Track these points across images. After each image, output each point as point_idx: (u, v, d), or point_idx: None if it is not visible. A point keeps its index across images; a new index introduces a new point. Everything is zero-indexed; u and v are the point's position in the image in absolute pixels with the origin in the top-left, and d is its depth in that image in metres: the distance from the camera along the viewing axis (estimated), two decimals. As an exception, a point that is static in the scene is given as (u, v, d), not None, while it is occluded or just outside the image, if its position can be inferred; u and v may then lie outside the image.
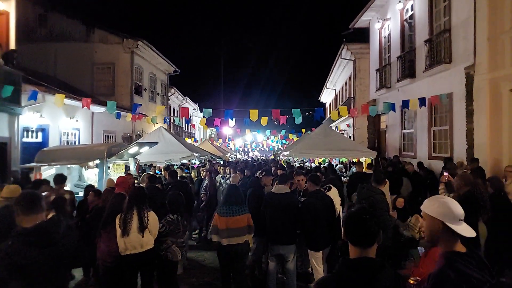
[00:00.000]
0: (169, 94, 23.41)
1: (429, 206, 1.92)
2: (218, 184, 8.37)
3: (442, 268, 1.72)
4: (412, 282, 2.09)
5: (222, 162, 13.25)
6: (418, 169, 8.86)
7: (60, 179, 5.87)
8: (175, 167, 9.54)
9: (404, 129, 11.98)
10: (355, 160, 12.47)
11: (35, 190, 4.58)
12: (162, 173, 9.00)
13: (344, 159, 12.55)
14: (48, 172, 7.34)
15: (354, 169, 10.14)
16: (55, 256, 2.22)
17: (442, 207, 1.86)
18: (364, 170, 8.82)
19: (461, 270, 1.68)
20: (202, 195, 8.03)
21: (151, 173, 8.71)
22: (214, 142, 23.07)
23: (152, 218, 4.01)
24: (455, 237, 1.83)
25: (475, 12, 7.57)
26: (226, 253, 4.25)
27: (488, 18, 7.26)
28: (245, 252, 4.45)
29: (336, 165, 12.37)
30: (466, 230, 1.82)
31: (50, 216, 2.56)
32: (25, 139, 9.68)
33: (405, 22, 11.79)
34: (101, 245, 4.03)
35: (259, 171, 7.99)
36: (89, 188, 5.79)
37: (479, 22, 7.51)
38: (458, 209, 1.86)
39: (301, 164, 12.94)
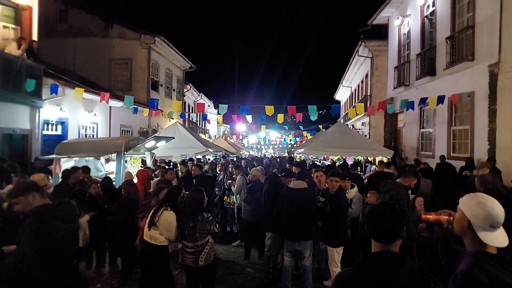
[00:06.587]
0: (185, 90, 23.57)
1: (465, 201, 1.79)
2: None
3: (471, 268, 1.60)
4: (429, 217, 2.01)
5: (234, 159, 13.28)
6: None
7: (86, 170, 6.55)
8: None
9: (423, 128, 11.72)
10: (370, 158, 12.29)
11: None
12: (178, 167, 9.08)
13: (360, 158, 12.39)
14: (67, 164, 7.50)
15: (371, 167, 9.97)
16: (75, 232, 2.48)
17: (477, 207, 1.70)
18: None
19: (492, 273, 1.54)
20: (216, 190, 8.08)
21: (167, 167, 8.80)
22: (228, 138, 23.17)
23: (164, 218, 3.87)
24: None
25: (502, 7, 7.31)
26: None
27: (516, 14, 7.02)
28: None
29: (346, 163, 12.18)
30: (495, 239, 1.64)
31: None
32: (45, 132, 9.94)
33: (425, 18, 11.50)
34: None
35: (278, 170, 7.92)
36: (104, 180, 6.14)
37: (505, 18, 7.24)
38: (494, 214, 1.66)
39: (314, 162, 12.84)
